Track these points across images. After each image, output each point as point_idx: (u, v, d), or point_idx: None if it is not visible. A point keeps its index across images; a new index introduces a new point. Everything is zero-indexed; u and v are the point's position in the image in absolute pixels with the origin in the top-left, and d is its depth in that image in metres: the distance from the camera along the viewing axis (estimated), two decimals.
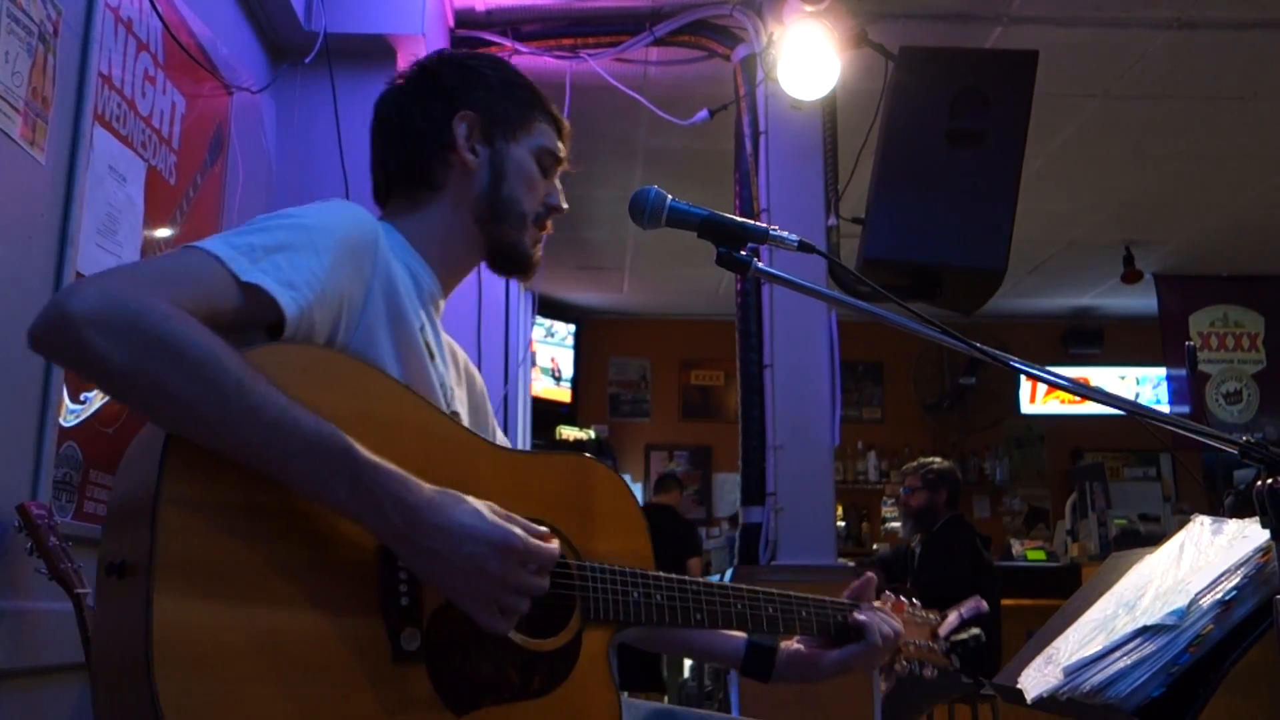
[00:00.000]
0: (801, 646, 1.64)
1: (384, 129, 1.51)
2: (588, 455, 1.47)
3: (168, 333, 1.06)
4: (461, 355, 1.58)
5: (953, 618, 1.73)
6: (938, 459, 4.91)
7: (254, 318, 1.17)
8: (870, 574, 1.66)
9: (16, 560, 1.53)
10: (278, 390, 1.09)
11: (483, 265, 1.54)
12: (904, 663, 1.70)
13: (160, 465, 1.05)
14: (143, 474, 1.09)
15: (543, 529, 1.21)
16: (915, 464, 4.81)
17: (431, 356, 1.38)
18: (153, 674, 0.98)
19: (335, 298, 1.24)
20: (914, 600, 1.74)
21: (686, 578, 1.45)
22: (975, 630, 1.74)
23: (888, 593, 1.72)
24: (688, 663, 6.60)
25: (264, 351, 1.14)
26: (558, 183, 1.55)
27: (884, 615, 1.64)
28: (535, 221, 1.50)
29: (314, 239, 1.22)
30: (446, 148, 1.46)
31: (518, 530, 1.17)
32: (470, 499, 1.16)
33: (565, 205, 1.54)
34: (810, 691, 3.22)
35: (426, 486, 1.14)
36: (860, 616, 1.61)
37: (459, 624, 1.19)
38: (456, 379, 1.51)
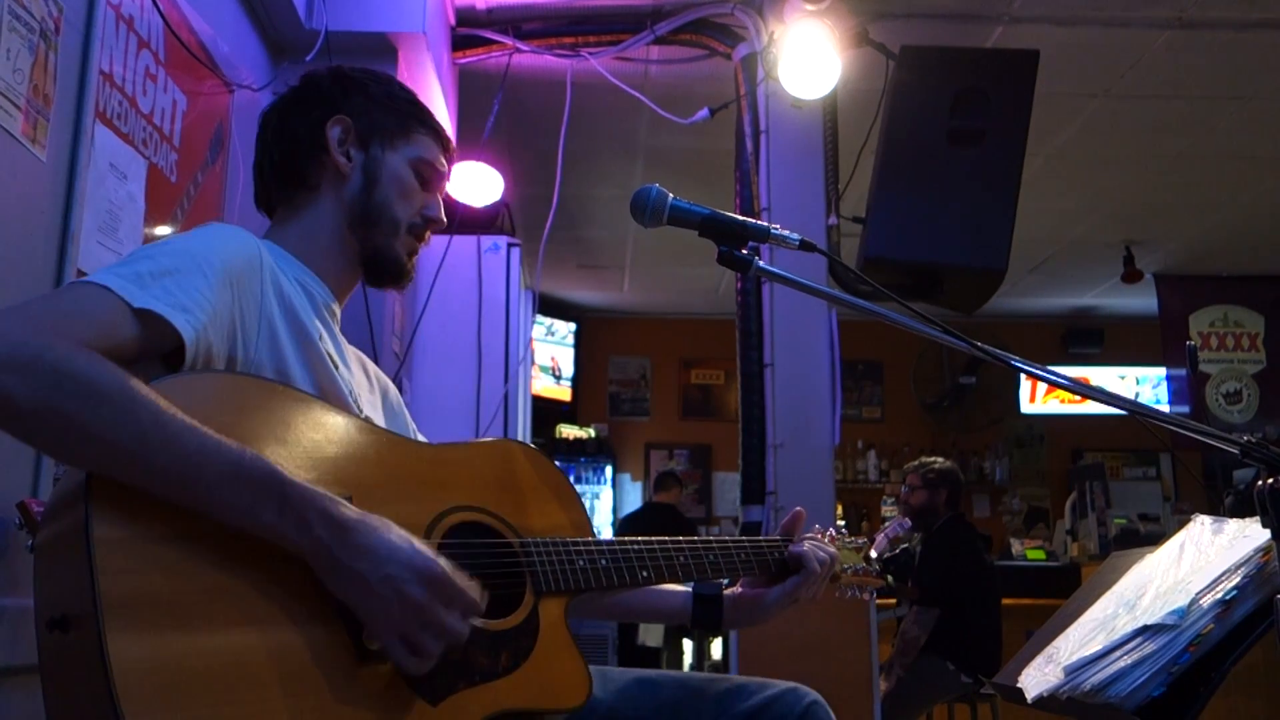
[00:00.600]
0: (744, 590, 1.69)
1: (264, 134, 1.54)
2: (507, 437, 1.48)
3: (74, 369, 1.03)
4: (371, 365, 1.60)
5: (880, 539, 1.82)
6: (939, 459, 4.92)
7: (151, 345, 1.16)
8: (800, 509, 1.72)
9: (17, 557, 1.53)
10: (193, 420, 1.07)
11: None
12: (843, 588, 1.79)
13: (86, 508, 1.02)
14: (70, 520, 1.06)
15: (472, 581, 1.18)
16: (916, 463, 4.82)
17: (335, 365, 1.39)
18: (121, 713, 0.95)
19: (227, 317, 1.24)
20: (842, 529, 1.82)
21: (627, 539, 1.48)
22: (903, 545, 1.81)
23: (817, 526, 1.79)
24: (687, 659, 6.61)
25: (171, 383, 1.12)
26: (439, 196, 1.56)
27: (817, 543, 1.71)
28: (410, 231, 1.51)
29: (198, 262, 1.22)
30: (320, 149, 1.48)
31: (442, 562, 1.15)
32: (398, 528, 1.15)
33: (444, 219, 1.55)
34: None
35: (354, 509, 1.13)
36: (796, 549, 1.67)
37: None
38: (368, 387, 1.52)
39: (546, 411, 8.06)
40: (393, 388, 1.62)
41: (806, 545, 1.68)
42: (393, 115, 1.52)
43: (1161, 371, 8.16)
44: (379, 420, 1.48)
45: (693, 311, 8.45)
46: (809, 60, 3.82)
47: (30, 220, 1.65)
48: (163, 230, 2.22)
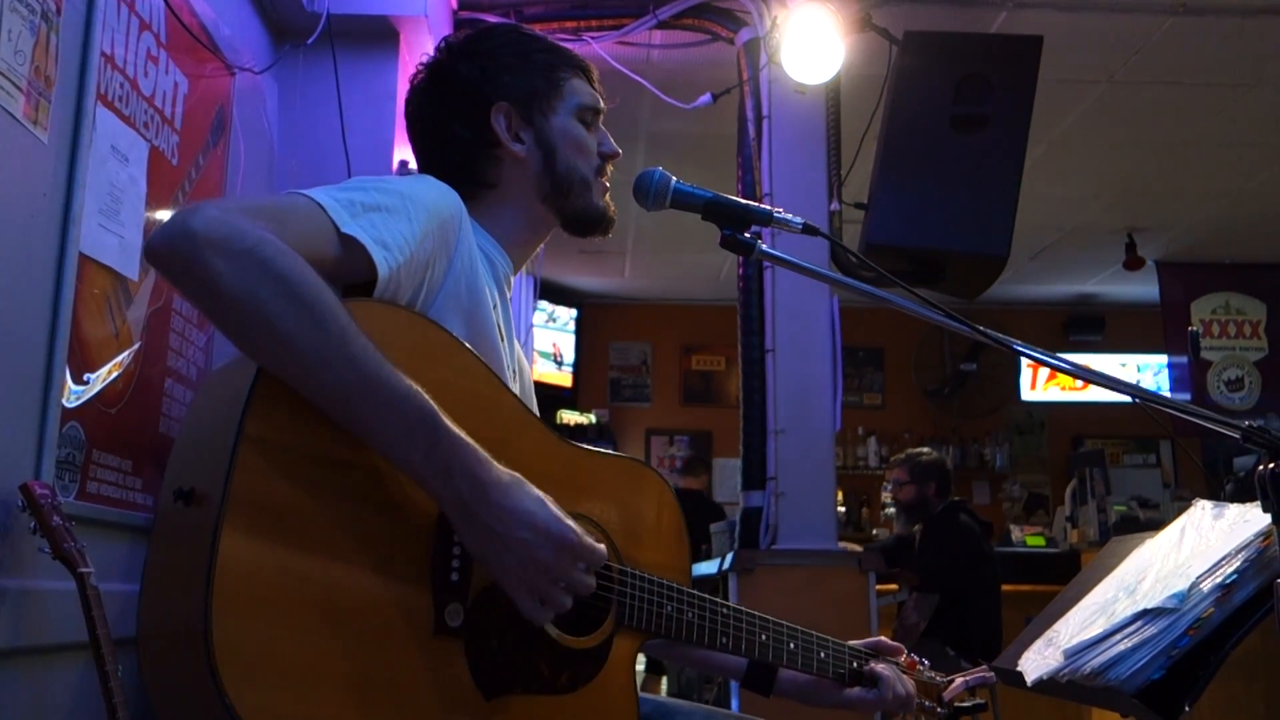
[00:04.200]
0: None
1: (424, 136, 1.53)
2: (645, 463, 1.49)
3: (283, 266, 1.07)
4: (517, 344, 1.59)
5: (959, 682, 1.72)
6: (925, 449, 4.93)
7: (346, 272, 1.19)
8: (883, 639, 1.68)
9: (20, 540, 1.53)
10: (374, 345, 1.10)
11: None
12: None
13: (247, 401, 1.07)
14: (226, 406, 1.10)
15: (595, 535, 1.22)
16: (903, 456, 4.84)
17: (502, 337, 1.40)
18: (210, 604, 1.00)
19: (422, 266, 1.27)
20: (924, 660, 1.75)
21: (718, 600, 1.46)
22: (980, 700, 1.73)
23: (901, 646, 1.72)
24: None
25: (358, 304, 1.16)
26: (602, 127, 1.58)
27: (901, 675, 1.64)
28: (597, 175, 1.53)
29: (408, 206, 1.25)
30: (492, 145, 1.49)
31: (574, 526, 1.18)
32: (534, 488, 1.17)
33: (618, 149, 1.57)
34: None
35: (498, 467, 1.15)
36: (879, 668, 1.62)
37: (502, 608, 1.20)
38: (514, 366, 1.53)
39: (548, 397, 8.06)
40: (528, 369, 1.62)
41: (892, 671, 1.63)
42: (540, 77, 1.52)
43: (1163, 359, 8.15)
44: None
45: (694, 297, 8.44)
46: (812, 45, 3.80)
47: (31, 202, 1.65)
48: (164, 214, 2.21)
